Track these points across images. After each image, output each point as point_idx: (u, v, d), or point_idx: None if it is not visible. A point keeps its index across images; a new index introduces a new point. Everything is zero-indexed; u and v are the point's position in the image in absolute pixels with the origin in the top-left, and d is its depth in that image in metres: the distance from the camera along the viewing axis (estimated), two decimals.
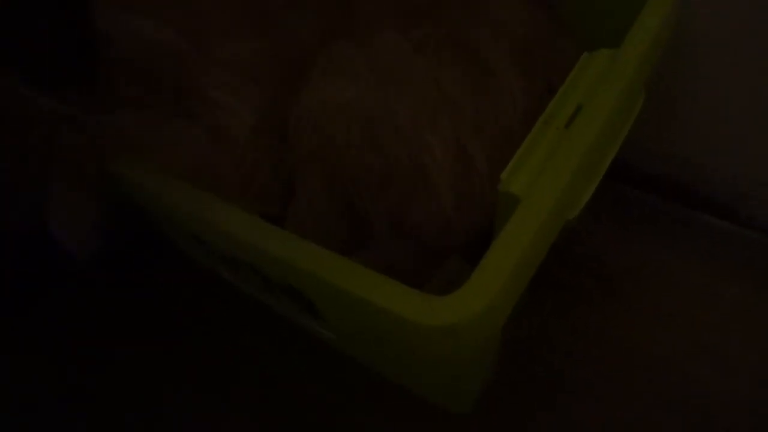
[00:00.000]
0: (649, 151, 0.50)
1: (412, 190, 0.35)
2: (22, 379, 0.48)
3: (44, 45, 0.32)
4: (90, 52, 0.34)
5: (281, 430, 0.43)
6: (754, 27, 0.37)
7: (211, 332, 0.48)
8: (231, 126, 0.38)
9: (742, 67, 0.40)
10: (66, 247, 0.36)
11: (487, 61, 0.36)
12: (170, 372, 0.46)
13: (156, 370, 0.46)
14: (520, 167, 0.29)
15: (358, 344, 0.39)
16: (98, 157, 0.35)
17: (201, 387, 0.45)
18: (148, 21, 0.35)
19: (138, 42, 0.36)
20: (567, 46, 0.37)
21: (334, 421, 0.42)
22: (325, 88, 0.36)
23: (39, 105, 0.32)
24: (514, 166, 0.29)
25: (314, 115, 0.36)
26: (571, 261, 0.48)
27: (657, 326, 0.44)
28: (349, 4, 0.39)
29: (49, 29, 0.33)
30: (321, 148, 0.37)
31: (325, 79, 0.37)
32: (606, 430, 0.40)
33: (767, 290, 0.44)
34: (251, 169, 0.38)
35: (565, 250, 0.47)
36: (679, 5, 0.33)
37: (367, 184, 0.36)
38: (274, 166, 0.39)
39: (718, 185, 0.48)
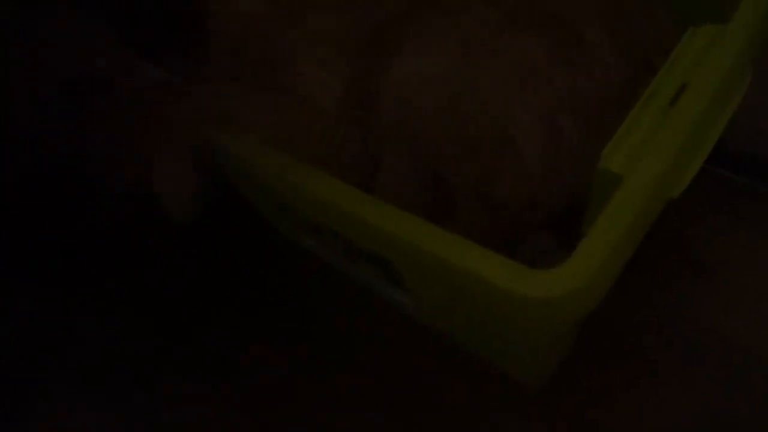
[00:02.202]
0: (740, 127, 0.48)
1: (499, 161, 0.35)
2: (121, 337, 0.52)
3: (152, 18, 0.34)
4: (193, 25, 0.36)
5: (363, 389, 0.45)
6: None
7: (292, 298, 0.50)
8: (320, 98, 0.39)
9: None
10: (168, 210, 0.38)
11: (580, 32, 0.35)
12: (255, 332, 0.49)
13: (243, 331, 0.49)
14: (621, 145, 0.29)
15: (443, 314, 0.40)
16: (199, 125, 0.36)
17: (276, 345, 0.48)
18: None
19: (234, 16, 0.37)
20: (664, 19, 0.35)
21: (413, 385, 0.44)
22: (413, 61, 0.37)
23: (148, 76, 0.34)
24: (615, 144, 0.29)
25: (402, 88, 0.37)
26: (659, 241, 0.47)
27: (747, 311, 0.43)
28: None
29: (157, 3, 0.34)
30: (408, 119, 0.37)
31: (413, 52, 0.37)
32: (690, 417, 0.39)
33: None
34: (340, 140, 0.39)
35: (653, 230, 0.47)
36: None
37: (453, 155, 0.37)
38: (361, 136, 0.40)
39: None
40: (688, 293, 0.44)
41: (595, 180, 0.30)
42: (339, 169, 0.39)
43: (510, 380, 0.42)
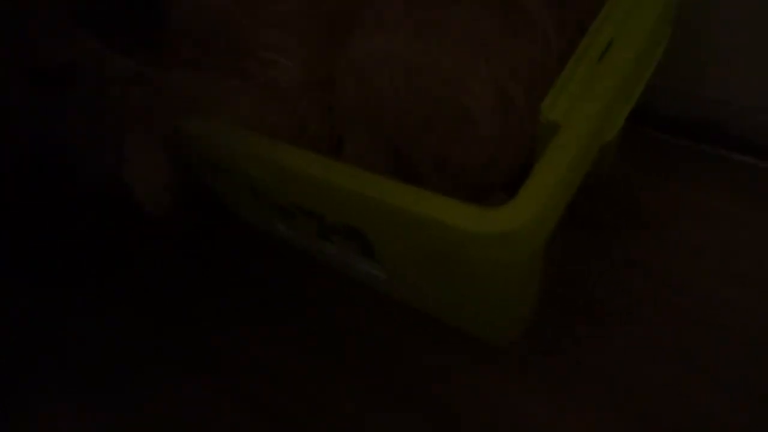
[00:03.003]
0: (678, 93, 0.52)
1: (455, 131, 0.38)
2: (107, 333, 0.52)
3: (118, 8, 0.36)
4: (156, 15, 0.38)
5: (325, 358, 0.47)
6: None
7: (291, 297, 0.52)
8: (281, 81, 0.41)
9: None
10: (138, 201, 0.40)
11: (522, 4, 0.38)
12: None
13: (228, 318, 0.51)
14: (558, 97, 0.31)
15: (409, 278, 0.42)
16: (168, 113, 0.38)
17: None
18: None
19: (195, 6, 0.39)
20: None
21: (382, 353, 0.46)
22: (368, 40, 0.39)
23: (116, 65, 0.36)
24: (552, 97, 0.31)
25: (359, 67, 0.39)
26: (607, 202, 0.51)
27: (689, 256, 0.46)
28: None
29: None
30: (366, 97, 0.40)
31: (368, 32, 0.39)
32: (644, 351, 0.43)
33: None
34: (302, 120, 0.41)
35: (601, 192, 0.50)
36: None
37: (412, 128, 0.39)
38: (323, 115, 0.42)
39: (742, 122, 0.50)
40: (634, 245, 0.47)
41: (538, 133, 0.32)
42: (303, 147, 0.42)
43: (481, 341, 0.45)
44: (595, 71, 0.31)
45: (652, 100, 0.53)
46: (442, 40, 0.38)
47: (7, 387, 0.50)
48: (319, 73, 0.42)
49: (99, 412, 0.48)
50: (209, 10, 0.39)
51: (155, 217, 0.40)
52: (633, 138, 0.51)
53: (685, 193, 0.50)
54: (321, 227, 0.43)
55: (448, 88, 0.37)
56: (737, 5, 0.44)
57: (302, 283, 0.52)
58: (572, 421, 0.41)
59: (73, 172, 0.39)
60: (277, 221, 0.49)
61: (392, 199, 0.29)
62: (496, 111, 0.37)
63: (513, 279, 0.35)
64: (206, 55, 0.40)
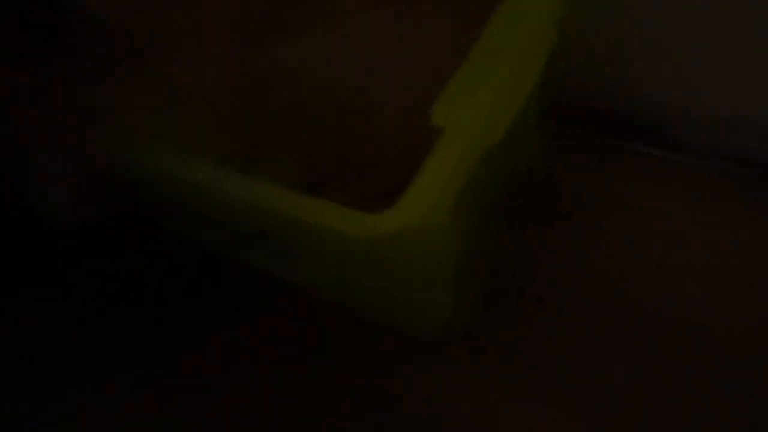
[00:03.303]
0: (585, 89, 0.54)
1: (362, 136, 0.39)
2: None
3: (11, 21, 0.36)
4: (58, 21, 0.37)
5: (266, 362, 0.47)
6: None
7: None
8: (194, 91, 0.41)
9: None
10: (45, 216, 0.39)
11: (424, 10, 0.39)
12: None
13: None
14: (446, 102, 0.33)
15: (326, 279, 0.43)
16: (71, 126, 0.38)
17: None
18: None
19: (99, 18, 0.39)
20: None
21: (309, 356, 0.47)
22: (278, 49, 0.40)
23: (11, 82, 0.36)
24: (441, 101, 0.33)
25: (270, 75, 0.40)
26: (527, 198, 0.52)
27: (605, 243, 0.48)
28: None
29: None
30: (277, 107, 0.41)
31: (274, 42, 0.40)
32: (566, 338, 0.45)
33: (698, 201, 0.49)
34: (217, 130, 0.42)
35: (522, 189, 0.52)
36: None
37: (321, 134, 0.40)
38: (238, 126, 0.43)
39: (651, 114, 0.52)
40: (557, 235, 0.49)
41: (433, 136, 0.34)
42: (218, 156, 0.43)
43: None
44: (480, 78, 0.33)
45: (576, 98, 0.55)
46: (346, 47, 0.39)
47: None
48: (234, 82, 0.42)
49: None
50: (114, 21, 0.39)
51: (63, 228, 0.40)
52: (561, 135, 0.54)
53: (607, 185, 0.52)
54: (238, 235, 0.43)
55: (352, 93, 0.38)
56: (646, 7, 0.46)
57: (240, 291, 0.52)
58: (507, 414, 0.42)
59: None
60: (200, 233, 0.49)
61: (282, 207, 0.30)
62: (398, 114, 0.38)
63: (417, 277, 0.36)
64: (115, 60, 0.40)
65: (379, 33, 0.39)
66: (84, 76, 0.39)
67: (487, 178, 0.44)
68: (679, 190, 0.51)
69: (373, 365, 0.46)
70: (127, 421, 0.46)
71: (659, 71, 0.50)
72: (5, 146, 0.37)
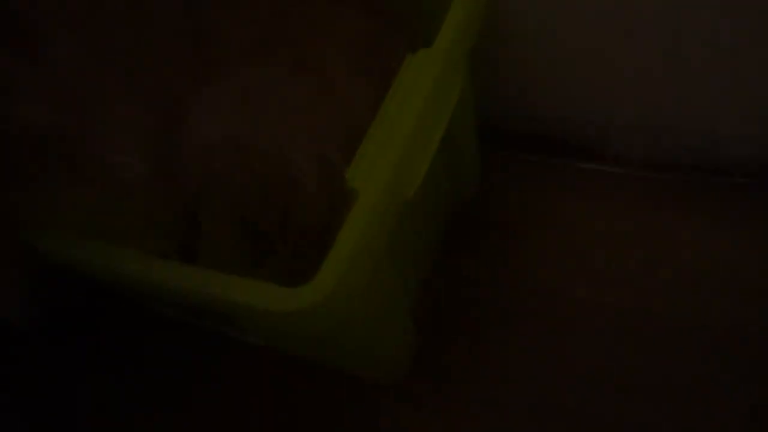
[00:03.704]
0: (518, 116, 0.56)
1: (288, 200, 0.40)
2: None
3: None
4: None
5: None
6: None
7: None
8: (125, 179, 0.42)
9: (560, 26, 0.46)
10: (2, 318, 0.40)
11: (332, 76, 0.41)
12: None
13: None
14: (359, 163, 0.34)
15: (285, 344, 0.44)
16: (11, 234, 0.39)
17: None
18: (23, 106, 0.39)
19: (23, 129, 0.41)
20: (400, 51, 0.42)
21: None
22: (196, 129, 0.41)
23: None
24: (355, 163, 0.34)
25: (192, 155, 0.41)
26: (475, 225, 0.54)
27: (558, 264, 0.50)
28: (205, 49, 0.44)
29: None
30: (208, 181, 0.42)
31: (195, 121, 0.41)
32: (523, 361, 0.46)
33: (632, 213, 0.51)
34: (152, 212, 0.43)
35: (468, 214, 0.54)
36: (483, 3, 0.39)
37: (254, 204, 0.41)
38: (174, 205, 0.44)
39: (580, 133, 0.54)
40: (504, 258, 0.51)
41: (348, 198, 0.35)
42: (157, 239, 0.43)
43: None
44: (388, 135, 0.34)
45: (503, 123, 0.57)
46: (265, 119, 0.40)
47: None
48: (162, 163, 0.43)
49: None
50: (35, 126, 0.40)
51: (20, 327, 0.41)
52: (499, 161, 0.55)
53: (541, 202, 0.54)
54: (187, 308, 0.44)
55: (274, 163, 0.40)
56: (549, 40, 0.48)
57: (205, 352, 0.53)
58: None
59: None
60: (163, 308, 0.50)
61: (206, 288, 0.31)
62: (320, 177, 0.39)
63: (358, 335, 0.37)
64: (43, 168, 0.41)
65: (291, 101, 0.41)
66: (17, 181, 0.40)
67: (418, 222, 0.45)
68: (612, 201, 0.52)
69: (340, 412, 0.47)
70: None
71: (584, 91, 0.52)
72: None
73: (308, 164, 0.39)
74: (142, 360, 0.53)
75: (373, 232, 0.31)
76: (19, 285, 0.41)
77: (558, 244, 0.51)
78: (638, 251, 0.48)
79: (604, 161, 0.54)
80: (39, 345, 0.54)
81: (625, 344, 0.45)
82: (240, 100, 0.41)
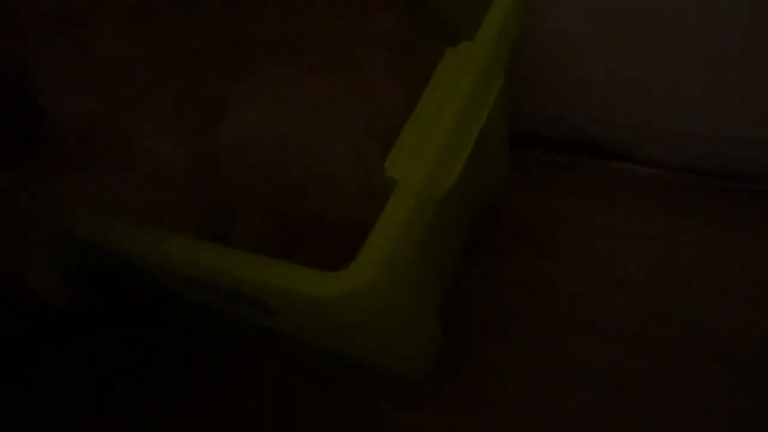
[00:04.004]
0: (550, 117, 0.56)
1: (323, 193, 0.41)
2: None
3: None
4: (35, 129, 0.40)
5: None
6: None
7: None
8: (166, 166, 0.43)
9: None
10: (44, 298, 0.41)
11: (370, 73, 0.41)
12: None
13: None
14: (398, 154, 0.34)
15: (310, 332, 0.44)
16: (56, 217, 0.40)
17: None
18: (76, 95, 0.40)
19: (71, 115, 0.42)
20: (436, 45, 0.42)
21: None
22: (238, 119, 0.42)
23: None
24: (393, 154, 0.34)
25: (232, 146, 0.42)
26: (494, 227, 0.54)
27: (575, 267, 0.50)
28: (243, 45, 0.45)
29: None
30: (245, 172, 0.42)
31: (236, 113, 0.42)
32: (543, 369, 0.45)
33: (661, 220, 0.50)
34: (190, 200, 0.43)
35: (493, 217, 0.54)
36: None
37: (288, 196, 0.42)
38: (210, 193, 0.44)
39: (611, 136, 0.54)
40: (530, 266, 0.51)
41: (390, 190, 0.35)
42: (194, 226, 0.44)
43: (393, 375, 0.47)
44: (428, 127, 0.34)
45: (534, 126, 0.57)
46: (301, 111, 0.41)
47: None
48: (200, 153, 0.44)
49: None
50: (84, 114, 0.41)
51: (59, 308, 0.42)
52: (523, 162, 0.55)
53: (566, 206, 0.54)
54: (221, 293, 0.44)
55: (310, 156, 0.40)
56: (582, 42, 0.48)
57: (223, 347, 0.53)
58: None
59: None
60: (187, 291, 0.51)
61: (243, 273, 0.32)
62: (355, 172, 0.39)
63: (388, 326, 0.37)
64: (89, 154, 0.42)
65: (328, 94, 0.41)
66: (64, 167, 0.41)
67: (450, 219, 0.45)
68: (641, 208, 0.52)
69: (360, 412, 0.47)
70: None
71: (619, 92, 0.52)
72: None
73: (343, 160, 0.40)
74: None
75: (413, 221, 0.31)
76: (62, 268, 0.41)
77: (583, 248, 0.50)
78: (668, 257, 0.48)
79: (633, 163, 0.54)
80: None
81: (642, 348, 0.44)
82: (277, 94, 0.42)
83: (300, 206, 0.42)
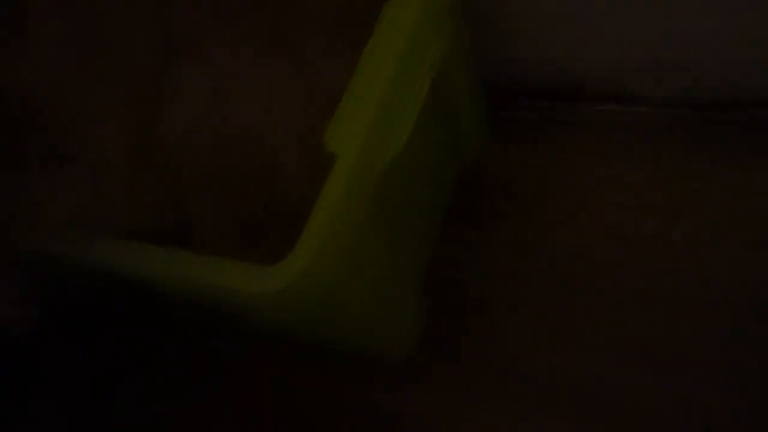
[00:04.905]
0: (529, 64, 0.51)
1: (274, 183, 0.38)
2: None
3: None
4: None
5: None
6: None
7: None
8: (108, 154, 0.41)
9: None
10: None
11: (309, 49, 0.38)
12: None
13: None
14: (336, 126, 0.31)
15: (282, 328, 0.42)
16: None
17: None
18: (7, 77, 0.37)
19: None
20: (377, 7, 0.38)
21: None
22: (171, 113, 0.39)
23: None
24: (332, 126, 0.31)
25: (174, 136, 0.39)
26: (481, 188, 0.50)
27: (560, 224, 0.46)
28: (177, 30, 0.42)
29: None
30: (188, 164, 0.40)
31: (169, 105, 0.39)
32: (537, 336, 0.42)
33: (652, 163, 0.46)
34: (136, 191, 0.41)
35: (474, 180, 0.50)
36: None
37: (234, 186, 0.39)
38: (157, 185, 0.42)
39: (595, 75, 0.50)
40: (516, 227, 0.47)
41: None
42: (143, 219, 0.42)
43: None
44: (365, 92, 0.31)
45: (514, 76, 0.53)
46: (240, 97, 0.38)
47: None
48: (142, 143, 0.42)
49: None
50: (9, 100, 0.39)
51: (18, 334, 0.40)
52: (508, 119, 0.51)
53: (556, 161, 0.50)
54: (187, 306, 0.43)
55: (254, 142, 0.38)
56: None
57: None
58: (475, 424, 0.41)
59: None
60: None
61: (175, 268, 0.30)
62: (302, 154, 0.37)
63: (352, 311, 0.34)
64: (17, 148, 0.40)
65: (272, 79, 0.39)
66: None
67: (414, 186, 0.42)
68: (631, 151, 0.48)
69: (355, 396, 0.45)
70: None
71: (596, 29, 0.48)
72: None
73: (288, 144, 0.37)
74: (142, 360, 0.53)
75: (352, 200, 0.29)
76: (13, 286, 0.40)
77: (571, 203, 0.47)
78: (659, 204, 0.44)
79: (620, 103, 0.50)
80: (38, 345, 0.54)
81: (651, 308, 0.41)
82: (213, 81, 0.39)
83: (250, 195, 0.39)
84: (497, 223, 0.48)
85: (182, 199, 0.43)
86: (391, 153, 0.31)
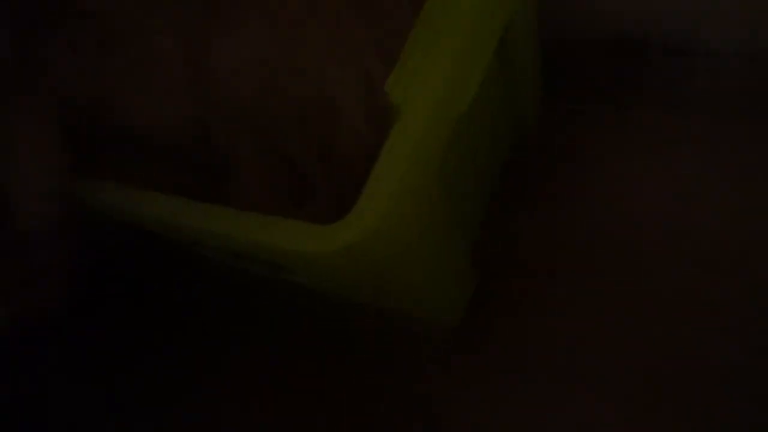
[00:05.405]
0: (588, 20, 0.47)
1: (330, 125, 0.35)
2: None
3: None
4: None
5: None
6: None
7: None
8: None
9: None
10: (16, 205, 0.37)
11: None
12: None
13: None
14: (402, 73, 0.28)
15: (326, 285, 0.40)
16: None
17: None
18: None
19: None
20: None
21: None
22: (222, 53, 0.37)
23: None
24: (396, 73, 0.28)
25: (219, 81, 0.37)
26: (539, 161, 0.47)
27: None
28: None
29: None
30: (237, 112, 0.37)
31: (221, 45, 0.37)
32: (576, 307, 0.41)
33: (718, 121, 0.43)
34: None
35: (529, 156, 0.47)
36: None
37: (286, 134, 0.37)
38: (203, 141, 0.40)
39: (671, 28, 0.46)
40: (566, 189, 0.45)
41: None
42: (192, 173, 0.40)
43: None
44: (433, 38, 0.28)
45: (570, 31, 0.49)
46: (297, 35, 0.35)
47: None
48: (190, 96, 0.39)
49: None
50: None
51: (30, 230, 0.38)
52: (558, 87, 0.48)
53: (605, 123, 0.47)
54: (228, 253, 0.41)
55: (311, 82, 0.35)
56: None
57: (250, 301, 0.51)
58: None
59: None
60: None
61: (236, 232, 0.27)
62: (361, 96, 0.34)
63: (405, 275, 0.32)
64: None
65: (324, 11, 0.35)
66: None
67: (476, 145, 0.39)
68: (698, 114, 0.44)
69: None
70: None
71: None
72: None
73: (348, 83, 0.34)
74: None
75: (421, 156, 0.26)
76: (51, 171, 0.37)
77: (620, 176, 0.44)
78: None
79: (693, 55, 0.45)
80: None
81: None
82: (267, 18, 0.36)
83: (304, 144, 0.37)
84: (550, 203, 0.45)
85: (226, 154, 0.41)
86: (462, 107, 0.29)
